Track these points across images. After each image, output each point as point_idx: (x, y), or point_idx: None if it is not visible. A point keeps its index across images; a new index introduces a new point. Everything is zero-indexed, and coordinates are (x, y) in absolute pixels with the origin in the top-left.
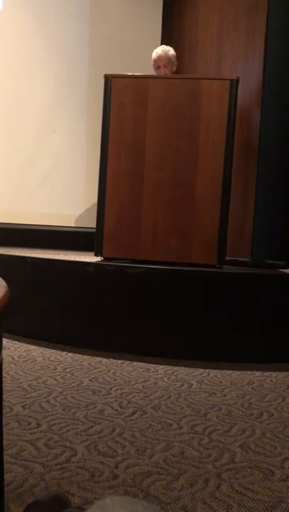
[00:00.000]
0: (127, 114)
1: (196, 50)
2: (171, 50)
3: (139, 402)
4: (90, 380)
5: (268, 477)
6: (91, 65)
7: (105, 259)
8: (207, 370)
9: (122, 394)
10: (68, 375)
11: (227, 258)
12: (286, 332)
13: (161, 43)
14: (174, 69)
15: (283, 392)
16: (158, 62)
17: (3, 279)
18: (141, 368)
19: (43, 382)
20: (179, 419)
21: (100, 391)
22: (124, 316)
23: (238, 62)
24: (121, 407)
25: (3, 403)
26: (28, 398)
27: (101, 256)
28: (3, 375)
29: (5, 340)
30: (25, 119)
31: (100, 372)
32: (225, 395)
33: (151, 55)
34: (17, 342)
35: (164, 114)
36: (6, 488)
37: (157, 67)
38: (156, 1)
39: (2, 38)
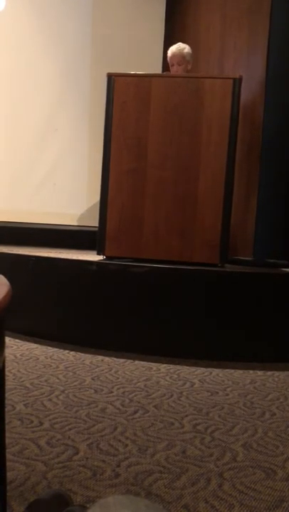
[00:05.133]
0: (129, 113)
1: (199, 49)
2: (186, 48)
3: (141, 401)
4: (92, 379)
5: (270, 476)
6: (94, 64)
7: (107, 258)
8: (209, 369)
9: (124, 392)
10: (70, 374)
11: (229, 257)
12: (288, 331)
13: (164, 43)
14: (189, 67)
15: (285, 391)
16: (172, 60)
17: (6, 277)
18: (143, 367)
19: (45, 381)
20: (181, 418)
21: (102, 390)
22: (126, 315)
23: (241, 61)
24: (123, 406)
25: (6, 401)
26: (30, 396)
27: (103, 255)
28: (6, 373)
29: (7, 339)
30: (27, 117)
31: (102, 370)
32: (227, 394)
33: (153, 54)
34: (19, 340)
35: (166, 113)
36: (8, 486)
37: (171, 65)
38: (159, 0)
39: (5, 37)
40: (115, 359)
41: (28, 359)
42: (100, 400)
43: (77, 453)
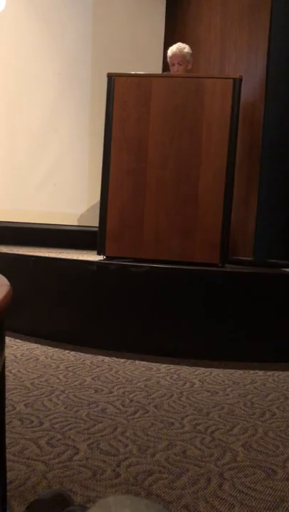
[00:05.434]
0: (129, 113)
1: (199, 48)
2: (186, 48)
3: (142, 401)
4: (93, 379)
5: (270, 476)
6: (94, 64)
7: (108, 258)
8: (209, 369)
9: (124, 392)
10: (71, 374)
11: (229, 257)
12: (288, 331)
13: (164, 42)
14: (190, 67)
15: (286, 391)
16: (172, 60)
17: (6, 277)
18: (143, 367)
19: (46, 381)
20: (181, 418)
21: (102, 390)
22: (126, 315)
23: (241, 60)
24: (123, 406)
25: (6, 401)
26: (30, 396)
27: (104, 255)
28: (6, 373)
29: (8, 339)
30: (27, 118)
31: (103, 370)
32: (227, 394)
33: (154, 54)
34: (20, 340)
35: (166, 113)
36: (8, 486)
37: (172, 65)
38: (159, 0)
39: (5, 37)
40: (115, 359)
41: (28, 359)
42: (100, 400)
43: (77, 453)
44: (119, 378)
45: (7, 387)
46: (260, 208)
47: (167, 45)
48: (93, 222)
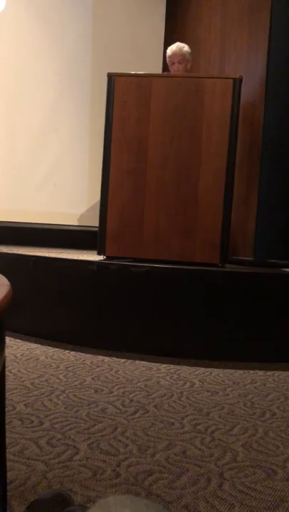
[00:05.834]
0: (129, 113)
1: (199, 48)
2: (185, 47)
3: (142, 401)
4: (93, 379)
5: (271, 476)
6: (94, 64)
7: (108, 258)
8: (209, 369)
9: (124, 392)
10: (71, 374)
11: (229, 257)
12: (288, 331)
13: (164, 42)
14: (189, 66)
15: (286, 391)
16: (172, 59)
17: (6, 277)
18: (143, 367)
19: (46, 381)
20: (181, 418)
21: (103, 390)
22: (126, 315)
23: (241, 60)
24: (123, 406)
25: (6, 401)
26: (30, 396)
27: (104, 255)
28: (6, 373)
29: (8, 339)
30: (27, 117)
31: (103, 370)
32: (227, 394)
33: (154, 54)
34: (20, 340)
35: (166, 113)
36: (8, 486)
37: (172, 64)
38: (159, 0)
39: (5, 37)
40: (116, 359)
41: (28, 359)
42: (100, 399)
43: (77, 453)
44: (119, 378)
45: (7, 387)
46: (260, 208)
47: (167, 45)
48: (93, 222)
